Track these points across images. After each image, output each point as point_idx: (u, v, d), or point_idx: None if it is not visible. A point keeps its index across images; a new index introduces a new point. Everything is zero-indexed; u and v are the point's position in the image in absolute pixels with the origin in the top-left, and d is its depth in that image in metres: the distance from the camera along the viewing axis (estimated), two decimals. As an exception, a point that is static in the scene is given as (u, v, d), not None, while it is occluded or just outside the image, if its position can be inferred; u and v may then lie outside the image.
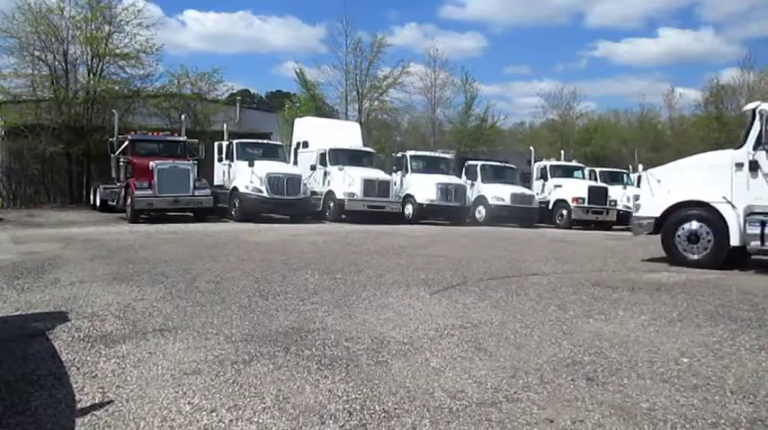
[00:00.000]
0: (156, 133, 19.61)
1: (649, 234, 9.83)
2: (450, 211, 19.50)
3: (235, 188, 17.98)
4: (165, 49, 43.02)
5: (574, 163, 24.42)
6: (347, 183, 18.63)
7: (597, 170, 23.83)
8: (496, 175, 21.25)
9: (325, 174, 19.50)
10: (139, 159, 17.16)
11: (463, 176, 21.17)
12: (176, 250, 9.90)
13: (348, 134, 21.72)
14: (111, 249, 9.91)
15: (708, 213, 9.02)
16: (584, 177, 22.39)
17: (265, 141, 21.96)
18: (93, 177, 22.60)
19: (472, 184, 20.79)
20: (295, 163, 20.95)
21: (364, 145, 22.25)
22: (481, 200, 20.43)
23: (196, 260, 8.66)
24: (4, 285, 6.43)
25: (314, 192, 19.06)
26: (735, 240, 8.79)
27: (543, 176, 22.22)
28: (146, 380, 3.55)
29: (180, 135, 19.44)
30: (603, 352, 4.27)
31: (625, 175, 23.60)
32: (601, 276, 7.90)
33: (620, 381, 3.64)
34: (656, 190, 9.93)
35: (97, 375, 3.62)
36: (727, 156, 9.09)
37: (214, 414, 3.06)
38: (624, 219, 20.18)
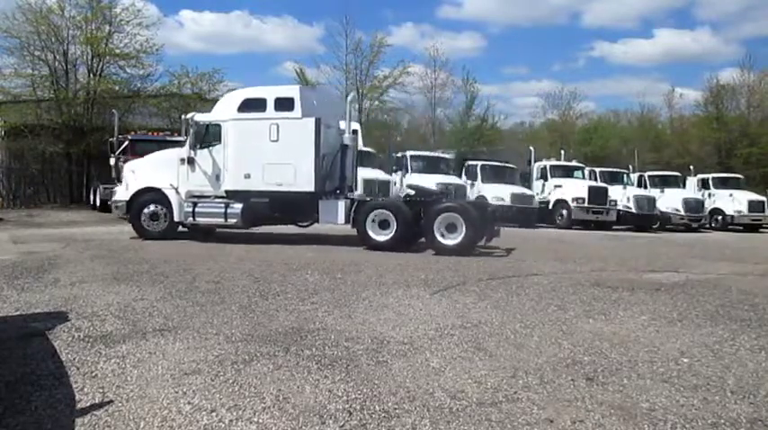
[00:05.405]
0: (156, 133, 19.60)
1: (124, 215, 11.88)
2: None
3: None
4: (164, 49, 43.06)
5: (574, 163, 24.33)
6: (346, 183, 18.61)
7: (597, 170, 23.75)
8: (496, 175, 21.16)
9: (325, 174, 19.48)
10: (139, 159, 17.11)
11: (463, 176, 21.12)
12: (176, 250, 9.90)
13: None
14: (111, 249, 9.91)
15: (161, 197, 11.44)
16: (584, 177, 22.32)
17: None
18: (93, 177, 22.60)
19: (472, 184, 20.71)
20: None
21: (364, 145, 22.19)
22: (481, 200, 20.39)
23: (196, 260, 8.66)
24: (4, 285, 6.43)
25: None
26: (177, 217, 11.32)
27: (543, 176, 22.16)
28: (146, 380, 3.55)
29: (180, 135, 19.38)
30: (603, 352, 4.27)
31: (625, 175, 23.55)
32: (601, 276, 7.90)
33: (620, 381, 3.64)
34: (129, 179, 12.04)
35: (97, 375, 3.62)
36: (176, 153, 11.67)
37: (214, 414, 3.06)
38: (624, 219, 20.21)
